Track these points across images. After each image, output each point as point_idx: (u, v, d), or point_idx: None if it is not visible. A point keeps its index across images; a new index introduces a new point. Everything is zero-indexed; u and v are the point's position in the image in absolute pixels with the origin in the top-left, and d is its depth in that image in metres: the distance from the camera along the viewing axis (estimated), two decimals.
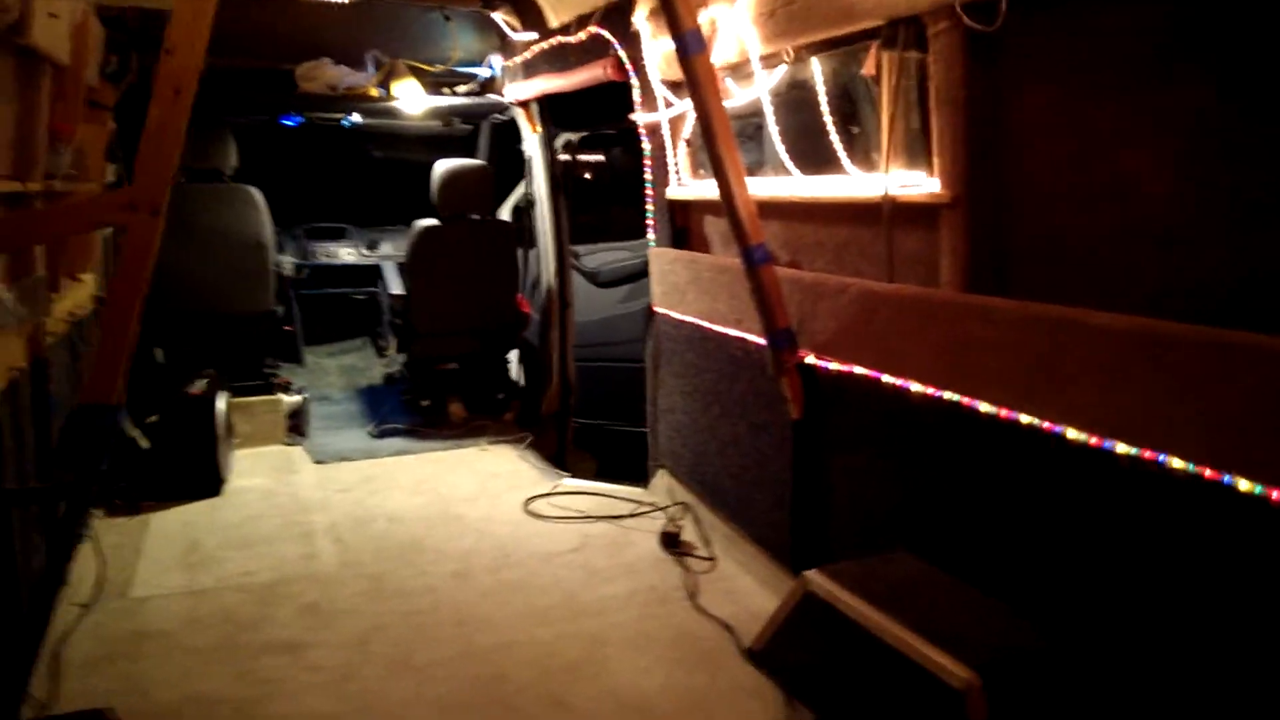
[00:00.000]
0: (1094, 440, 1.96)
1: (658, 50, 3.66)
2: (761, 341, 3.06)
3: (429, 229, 5.39)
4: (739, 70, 3.25)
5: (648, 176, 4.12)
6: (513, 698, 2.66)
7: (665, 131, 3.88)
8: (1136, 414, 1.87)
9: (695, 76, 2.78)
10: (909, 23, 2.43)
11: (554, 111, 5.43)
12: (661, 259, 4.03)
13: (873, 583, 2.44)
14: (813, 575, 2.55)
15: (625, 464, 4.72)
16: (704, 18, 3.14)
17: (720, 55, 3.18)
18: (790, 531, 3.13)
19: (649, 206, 4.16)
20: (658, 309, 4.09)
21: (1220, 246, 1.92)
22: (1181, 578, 1.85)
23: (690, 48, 2.75)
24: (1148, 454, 1.85)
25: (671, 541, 3.66)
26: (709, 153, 2.86)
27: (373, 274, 6.93)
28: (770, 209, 3.11)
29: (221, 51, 2.95)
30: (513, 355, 6.11)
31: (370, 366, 6.97)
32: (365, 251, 7.03)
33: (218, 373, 4.66)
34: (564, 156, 6.09)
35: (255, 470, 4.74)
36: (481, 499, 4.35)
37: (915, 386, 2.49)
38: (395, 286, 6.08)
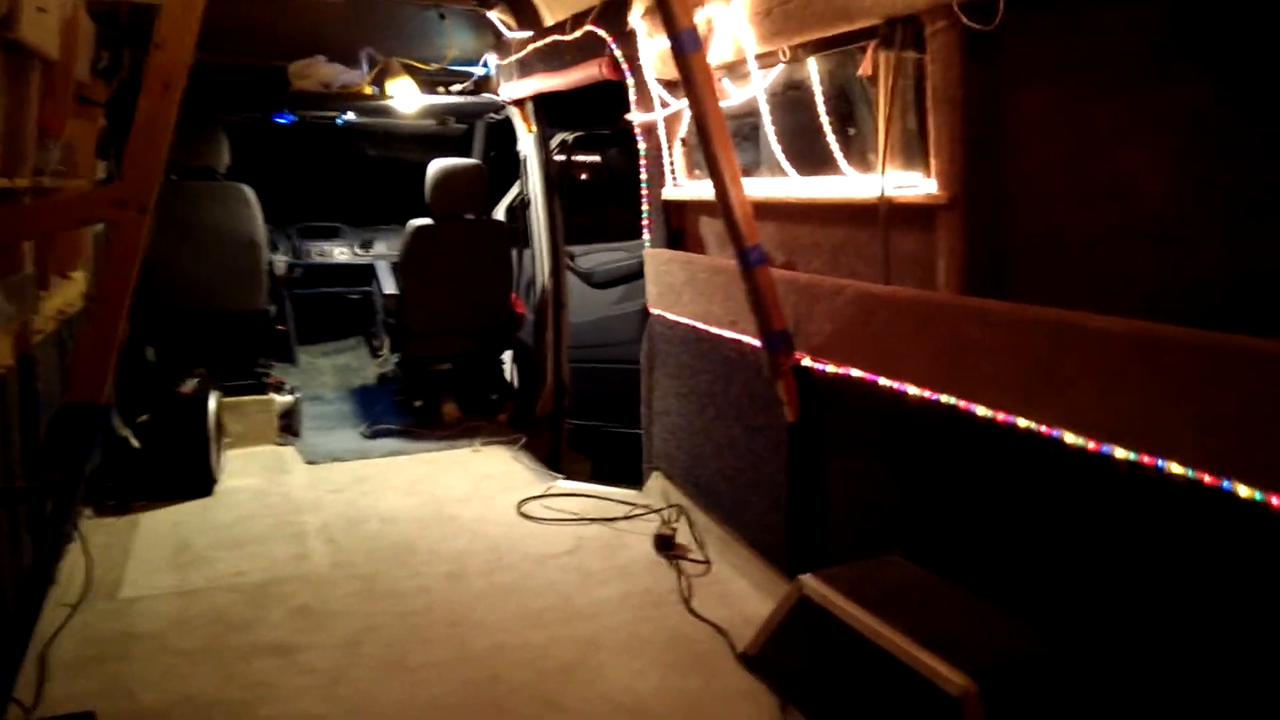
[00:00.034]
0: (1092, 444, 1.95)
1: (653, 49, 3.64)
2: (757, 343, 3.04)
3: (423, 228, 5.37)
4: (735, 70, 3.24)
5: (643, 177, 4.10)
6: (506, 700, 2.64)
7: (661, 131, 3.86)
8: (1134, 418, 1.86)
9: (691, 76, 2.76)
10: (906, 22, 2.42)
11: (549, 111, 5.42)
12: (657, 260, 4.02)
13: (868, 587, 2.42)
14: (808, 579, 2.54)
15: (620, 466, 4.71)
16: (700, 16, 3.12)
17: (716, 54, 3.17)
18: (785, 535, 3.12)
19: (644, 207, 4.14)
20: (653, 310, 4.08)
21: (1218, 245, 1.92)
22: (1181, 583, 1.83)
23: (686, 46, 2.73)
24: (1146, 458, 1.84)
25: (666, 544, 3.63)
26: (705, 153, 2.84)
27: (366, 273, 6.90)
28: (766, 210, 3.10)
29: (214, 48, 2.93)
30: (507, 356, 6.09)
31: (363, 366, 6.94)
32: (359, 251, 7.00)
33: (209, 372, 4.63)
34: (559, 156, 6.08)
35: (247, 470, 4.71)
36: (475, 500, 4.32)
37: (912, 389, 2.48)
38: (389, 286, 6.05)
